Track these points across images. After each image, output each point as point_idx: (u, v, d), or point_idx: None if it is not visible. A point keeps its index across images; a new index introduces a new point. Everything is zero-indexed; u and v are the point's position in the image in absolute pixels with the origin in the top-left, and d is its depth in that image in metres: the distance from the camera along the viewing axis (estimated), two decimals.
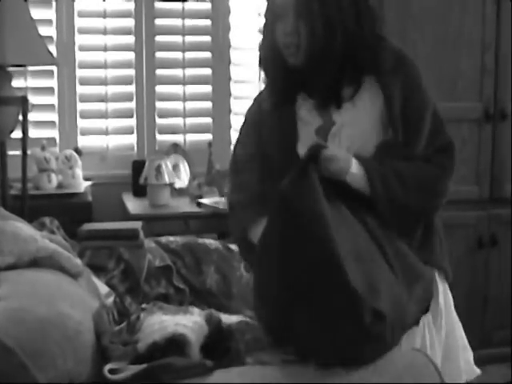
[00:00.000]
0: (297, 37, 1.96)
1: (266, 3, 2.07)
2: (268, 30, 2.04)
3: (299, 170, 1.82)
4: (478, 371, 2.16)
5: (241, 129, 2.25)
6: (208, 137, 4.31)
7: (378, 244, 1.90)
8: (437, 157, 2.04)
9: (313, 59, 1.97)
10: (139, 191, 3.97)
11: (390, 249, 1.91)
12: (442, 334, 2.05)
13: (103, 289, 2.20)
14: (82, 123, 4.17)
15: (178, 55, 4.27)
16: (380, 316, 1.68)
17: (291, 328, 1.75)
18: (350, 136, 2.02)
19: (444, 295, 2.09)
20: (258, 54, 2.12)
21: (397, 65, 2.01)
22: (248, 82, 4.26)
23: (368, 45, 1.99)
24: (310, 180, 1.80)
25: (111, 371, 1.62)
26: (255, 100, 2.23)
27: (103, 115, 4.18)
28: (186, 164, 4.17)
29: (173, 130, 4.31)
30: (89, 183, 4.00)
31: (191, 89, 4.30)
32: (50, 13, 4.05)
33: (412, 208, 1.99)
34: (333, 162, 1.91)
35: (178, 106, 4.29)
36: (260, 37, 2.10)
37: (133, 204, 3.87)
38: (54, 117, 4.13)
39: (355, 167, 1.95)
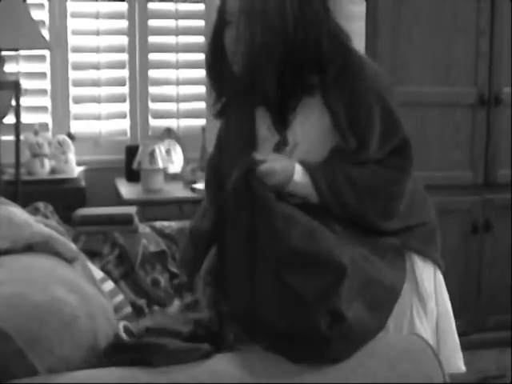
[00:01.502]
0: (242, 44, 1.87)
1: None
2: (215, 34, 1.98)
3: (237, 184, 1.83)
4: (462, 368, 2.10)
5: None
6: (201, 122, 4.30)
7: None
8: (392, 159, 1.97)
9: (250, 66, 1.88)
10: (132, 176, 3.96)
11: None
12: (433, 319, 2.04)
13: (98, 274, 2.19)
14: (74, 108, 4.16)
15: (171, 39, 4.25)
16: (340, 317, 1.63)
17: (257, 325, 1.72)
18: (303, 153, 1.98)
19: (435, 282, 2.07)
20: (204, 57, 2.06)
21: (339, 73, 1.92)
22: None
23: (312, 55, 1.91)
24: (255, 192, 1.81)
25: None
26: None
27: (96, 100, 4.16)
28: (179, 149, 4.16)
29: (166, 115, 4.30)
30: (82, 168, 3.98)
31: (185, 73, 4.29)
32: None
33: (368, 212, 1.94)
34: (270, 176, 1.88)
35: (171, 90, 4.28)
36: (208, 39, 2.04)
37: (126, 189, 3.86)
38: (46, 102, 4.10)
39: (300, 176, 1.92)
